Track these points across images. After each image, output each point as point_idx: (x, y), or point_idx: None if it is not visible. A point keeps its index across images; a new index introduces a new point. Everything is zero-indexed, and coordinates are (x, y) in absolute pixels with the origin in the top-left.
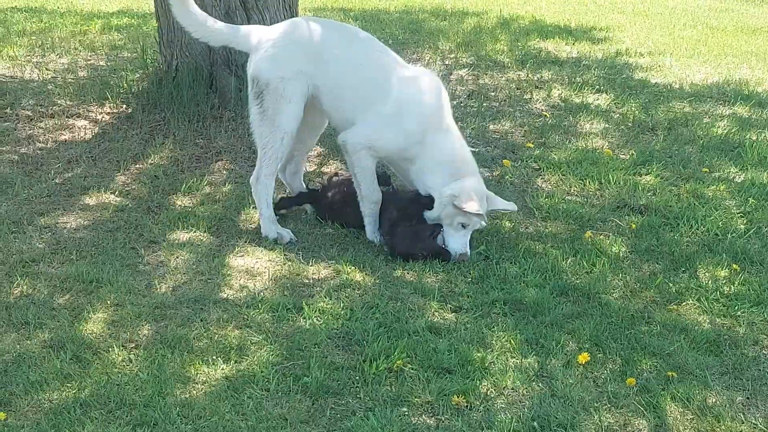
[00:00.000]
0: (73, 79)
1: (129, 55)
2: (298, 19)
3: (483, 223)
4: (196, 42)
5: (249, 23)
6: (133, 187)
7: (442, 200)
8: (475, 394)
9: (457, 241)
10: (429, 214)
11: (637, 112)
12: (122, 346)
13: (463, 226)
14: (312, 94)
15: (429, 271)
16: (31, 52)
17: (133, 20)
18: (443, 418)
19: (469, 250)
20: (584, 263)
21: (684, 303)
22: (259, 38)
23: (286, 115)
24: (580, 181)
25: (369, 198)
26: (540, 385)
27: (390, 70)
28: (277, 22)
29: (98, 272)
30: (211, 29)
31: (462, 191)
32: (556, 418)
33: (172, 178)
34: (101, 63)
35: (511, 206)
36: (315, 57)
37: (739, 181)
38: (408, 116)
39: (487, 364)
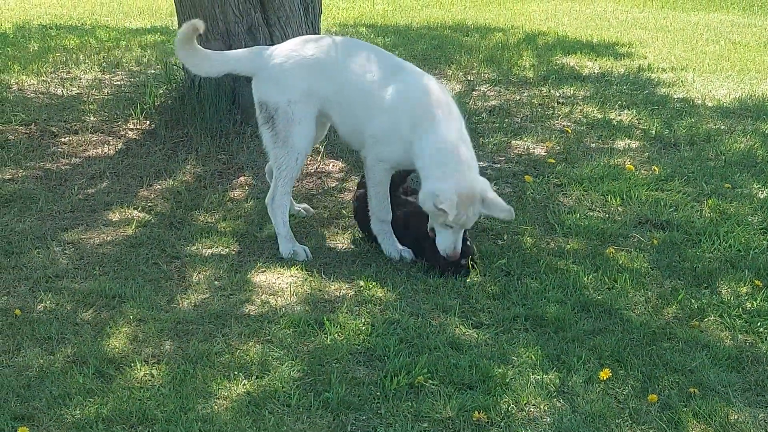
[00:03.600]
0: (97, 95)
1: (153, 71)
2: (299, 38)
3: (468, 223)
4: None
5: (271, 39)
6: (156, 202)
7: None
8: (496, 410)
9: (444, 240)
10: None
11: (659, 127)
12: (144, 361)
13: (450, 226)
14: (321, 111)
15: (450, 287)
16: (58, 68)
17: (157, 37)
18: None
19: (459, 247)
20: (606, 279)
21: (706, 319)
22: (260, 61)
23: (299, 136)
24: (602, 197)
25: (378, 216)
26: (561, 401)
27: (387, 77)
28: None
29: (121, 288)
30: (213, 60)
31: (442, 192)
32: None
33: (194, 193)
34: (126, 79)
35: (507, 213)
36: (319, 74)
37: (762, 197)
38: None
39: (508, 380)
